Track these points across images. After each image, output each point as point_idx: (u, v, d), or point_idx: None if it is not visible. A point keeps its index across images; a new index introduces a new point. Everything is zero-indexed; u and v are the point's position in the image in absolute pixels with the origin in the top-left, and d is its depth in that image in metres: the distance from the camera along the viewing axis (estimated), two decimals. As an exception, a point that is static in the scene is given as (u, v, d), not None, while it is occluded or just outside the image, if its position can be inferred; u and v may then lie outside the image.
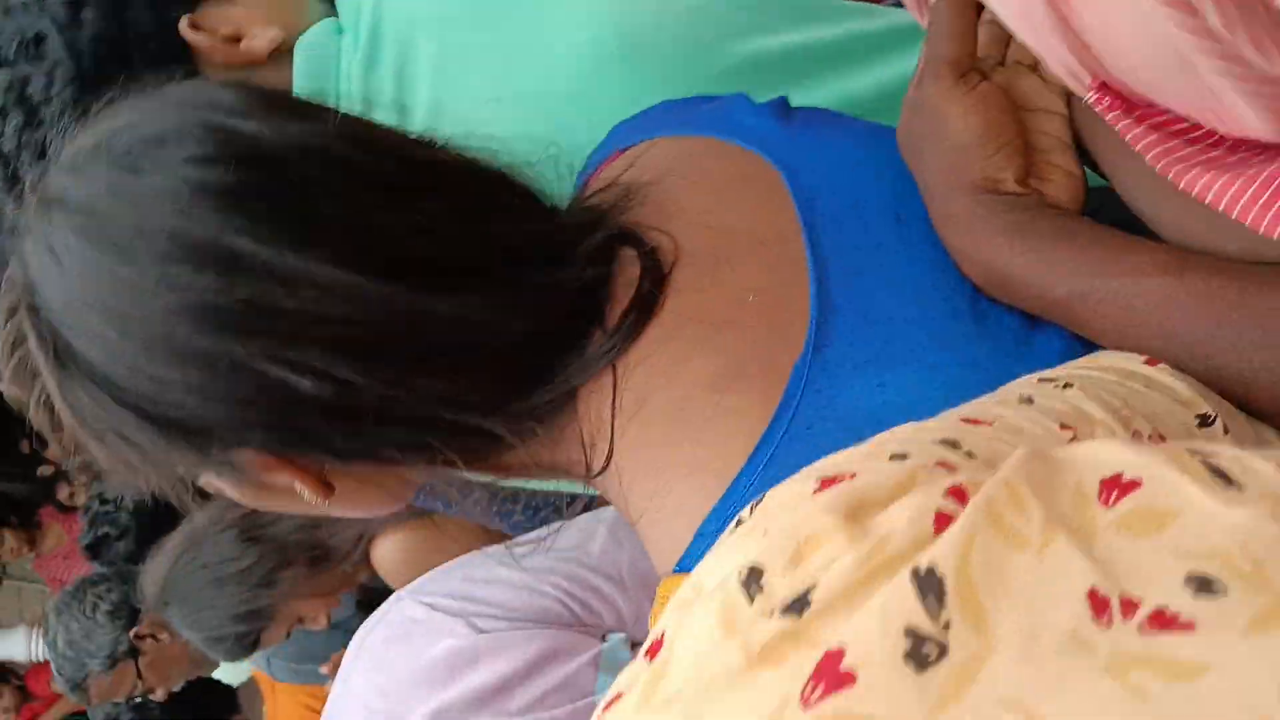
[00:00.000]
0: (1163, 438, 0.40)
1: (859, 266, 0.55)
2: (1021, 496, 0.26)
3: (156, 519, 2.01)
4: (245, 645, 1.53)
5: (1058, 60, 0.38)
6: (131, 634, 1.96)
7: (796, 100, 0.68)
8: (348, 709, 0.70)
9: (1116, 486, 0.26)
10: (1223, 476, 0.25)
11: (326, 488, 0.55)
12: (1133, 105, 0.39)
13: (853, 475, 0.30)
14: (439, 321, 0.50)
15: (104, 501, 2.20)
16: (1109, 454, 0.28)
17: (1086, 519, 0.25)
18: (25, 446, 4.10)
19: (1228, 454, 0.26)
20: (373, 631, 0.74)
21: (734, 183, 0.60)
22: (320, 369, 0.48)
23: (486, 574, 0.72)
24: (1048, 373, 0.44)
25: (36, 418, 0.54)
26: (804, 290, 0.54)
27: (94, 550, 2.20)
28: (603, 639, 0.70)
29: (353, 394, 0.49)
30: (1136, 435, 0.39)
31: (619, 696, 0.29)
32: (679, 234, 0.56)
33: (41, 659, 4.18)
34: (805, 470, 0.32)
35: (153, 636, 1.98)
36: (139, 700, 2.07)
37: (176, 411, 0.49)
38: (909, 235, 0.56)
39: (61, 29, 0.72)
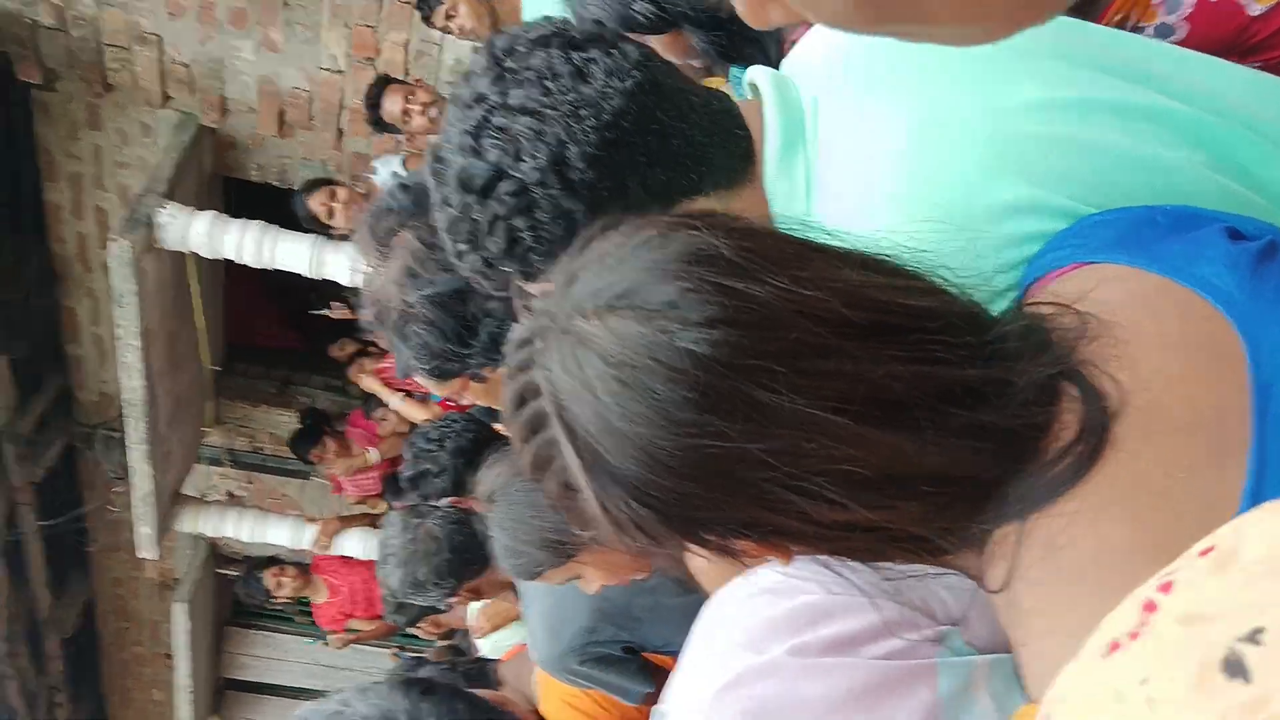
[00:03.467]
0: None
1: None
2: None
3: (473, 459, 2.19)
4: (530, 569, 1.59)
5: None
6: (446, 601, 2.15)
7: None
8: (708, 655, 0.76)
9: None
10: None
11: (788, 554, 0.63)
12: None
13: None
14: (923, 460, 0.57)
15: (428, 440, 2.38)
16: None
17: None
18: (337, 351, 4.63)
19: None
20: (730, 594, 0.80)
21: (1191, 348, 0.58)
22: (824, 495, 0.56)
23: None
24: None
25: (553, 493, 0.62)
26: (1231, 507, 0.52)
27: (414, 483, 2.42)
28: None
29: (843, 512, 0.57)
30: None
31: None
32: (1124, 386, 0.57)
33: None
34: None
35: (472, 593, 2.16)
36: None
37: (694, 514, 0.59)
38: None
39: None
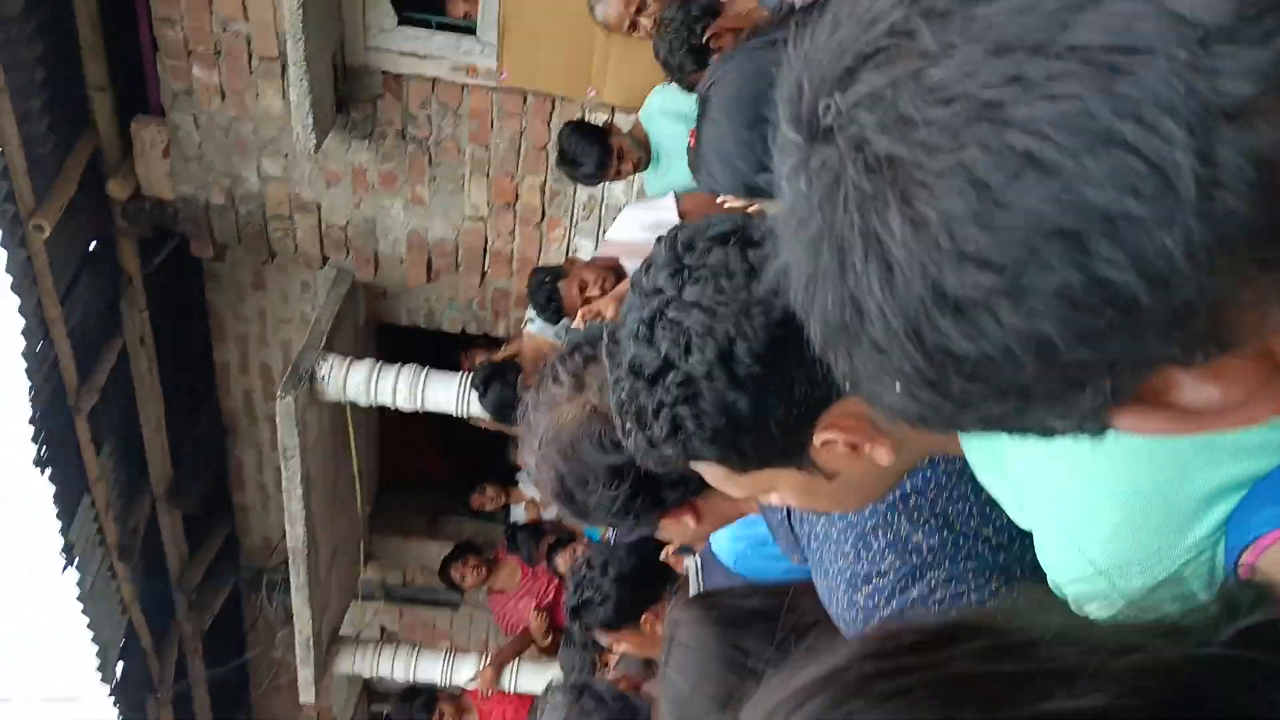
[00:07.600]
0: None
1: None
2: None
3: (637, 588, 2.20)
4: None
5: None
6: None
7: None
8: None
9: None
10: None
11: None
12: None
13: None
14: None
15: (590, 567, 2.37)
16: None
17: None
18: (477, 501, 4.78)
19: None
20: None
21: None
22: None
23: None
24: None
25: None
26: None
27: (577, 613, 2.38)
28: None
29: None
30: None
31: None
32: None
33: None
34: None
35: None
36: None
37: None
38: None
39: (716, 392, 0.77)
